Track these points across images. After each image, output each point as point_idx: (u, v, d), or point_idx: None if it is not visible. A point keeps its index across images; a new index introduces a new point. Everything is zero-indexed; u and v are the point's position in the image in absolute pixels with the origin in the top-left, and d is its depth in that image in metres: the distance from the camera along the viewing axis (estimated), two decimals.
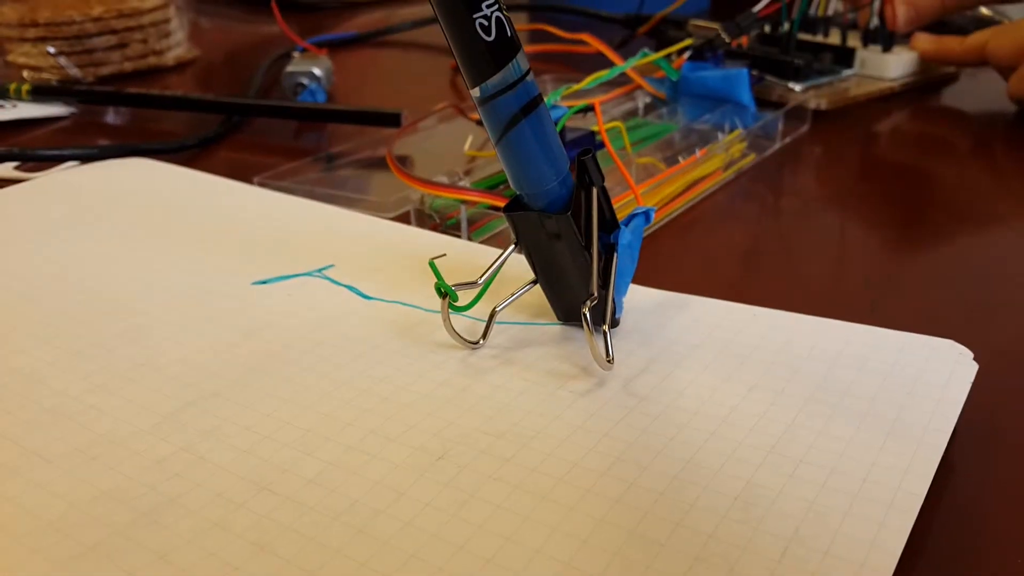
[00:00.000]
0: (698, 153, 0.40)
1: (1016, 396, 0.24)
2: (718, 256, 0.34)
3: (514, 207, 0.24)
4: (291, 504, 0.19)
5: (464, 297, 0.25)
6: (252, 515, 0.19)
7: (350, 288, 0.29)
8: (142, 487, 0.20)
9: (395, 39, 0.70)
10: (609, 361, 0.23)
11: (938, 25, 0.57)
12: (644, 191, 0.37)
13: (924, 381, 0.23)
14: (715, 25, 0.52)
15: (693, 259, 0.34)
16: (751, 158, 0.43)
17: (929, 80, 0.56)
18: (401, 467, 0.20)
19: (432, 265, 0.24)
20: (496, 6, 0.20)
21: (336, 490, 0.20)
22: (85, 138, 0.49)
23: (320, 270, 0.30)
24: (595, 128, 0.39)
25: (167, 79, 0.62)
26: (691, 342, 0.25)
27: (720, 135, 0.42)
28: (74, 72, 0.58)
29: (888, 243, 0.36)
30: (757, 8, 0.50)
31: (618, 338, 0.25)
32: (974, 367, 0.24)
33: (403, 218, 0.35)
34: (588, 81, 0.42)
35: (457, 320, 0.25)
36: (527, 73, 0.21)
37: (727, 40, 0.49)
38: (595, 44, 0.49)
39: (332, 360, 0.25)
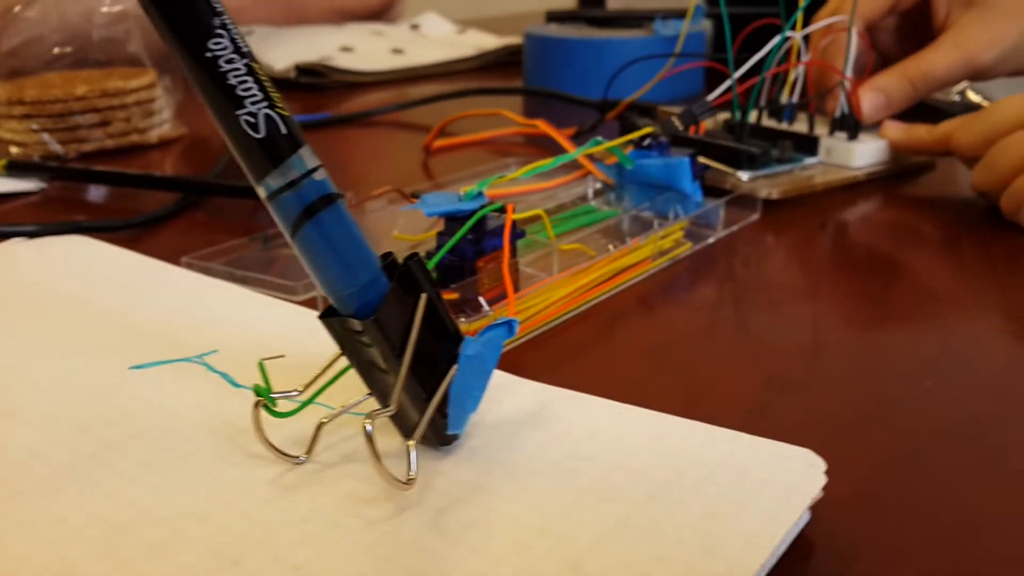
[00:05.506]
0: (629, 242, 0.40)
1: (889, 512, 0.23)
2: (623, 350, 0.34)
3: (330, 312, 0.22)
4: None
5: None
6: None
7: (223, 375, 0.28)
8: None
9: (382, 119, 0.71)
10: (406, 483, 0.21)
11: (926, 111, 0.55)
12: (561, 279, 0.36)
13: (767, 489, 0.22)
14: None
15: (598, 352, 0.33)
16: (687, 247, 0.42)
17: (901, 169, 0.54)
18: (191, 570, 0.20)
19: (261, 367, 0.23)
20: (265, 103, 0.20)
21: None
22: (46, 214, 0.50)
23: (202, 355, 0.30)
24: (521, 216, 0.38)
25: (149, 156, 0.63)
26: (539, 440, 0.25)
27: (658, 224, 0.42)
28: (55, 148, 0.60)
29: (801, 341, 0.35)
30: (711, 96, 0.50)
31: (459, 439, 0.25)
32: (822, 479, 0.22)
33: (311, 302, 0.35)
34: (522, 172, 0.41)
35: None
36: (313, 171, 0.21)
37: (680, 128, 0.49)
38: (546, 130, 0.49)
39: (171, 453, 0.25)
